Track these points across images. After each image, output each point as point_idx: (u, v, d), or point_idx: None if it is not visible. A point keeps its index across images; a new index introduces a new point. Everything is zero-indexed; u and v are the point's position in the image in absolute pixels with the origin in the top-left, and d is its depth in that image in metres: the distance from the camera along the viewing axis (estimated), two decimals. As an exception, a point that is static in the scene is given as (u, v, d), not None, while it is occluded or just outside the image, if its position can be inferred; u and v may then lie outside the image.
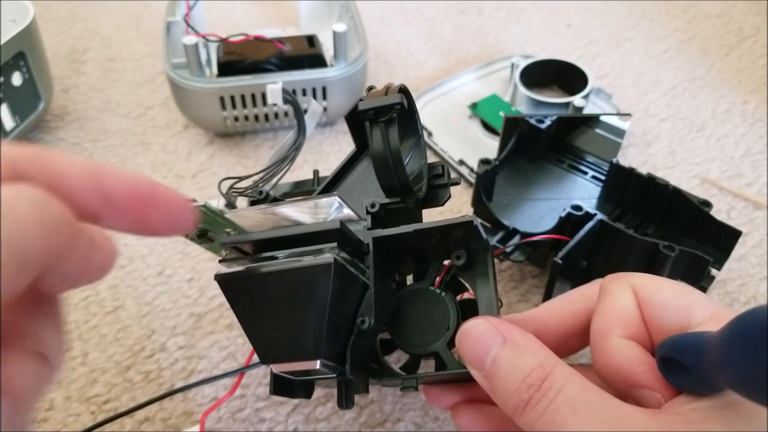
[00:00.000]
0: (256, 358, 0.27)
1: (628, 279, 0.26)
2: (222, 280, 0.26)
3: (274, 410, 0.37)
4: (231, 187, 0.35)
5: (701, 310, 0.24)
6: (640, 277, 0.26)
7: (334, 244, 0.26)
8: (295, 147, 0.38)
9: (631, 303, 0.26)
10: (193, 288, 0.43)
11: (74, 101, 0.59)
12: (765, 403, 0.17)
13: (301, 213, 0.28)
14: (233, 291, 0.26)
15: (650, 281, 0.26)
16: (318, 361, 0.25)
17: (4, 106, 0.49)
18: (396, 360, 0.33)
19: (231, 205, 0.34)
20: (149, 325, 0.41)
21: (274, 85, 0.38)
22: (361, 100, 0.28)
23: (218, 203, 0.34)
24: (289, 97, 0.39)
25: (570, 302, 0.29)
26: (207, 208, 0.32)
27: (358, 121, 0.32)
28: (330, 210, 0.28)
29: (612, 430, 0.21)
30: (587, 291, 0.29)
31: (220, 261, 0.29)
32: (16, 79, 0.49)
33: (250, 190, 0.35)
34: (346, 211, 0.28)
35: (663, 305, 0.25)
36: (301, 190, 0.39)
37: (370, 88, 0.30)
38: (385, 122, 0.28)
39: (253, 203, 0.35)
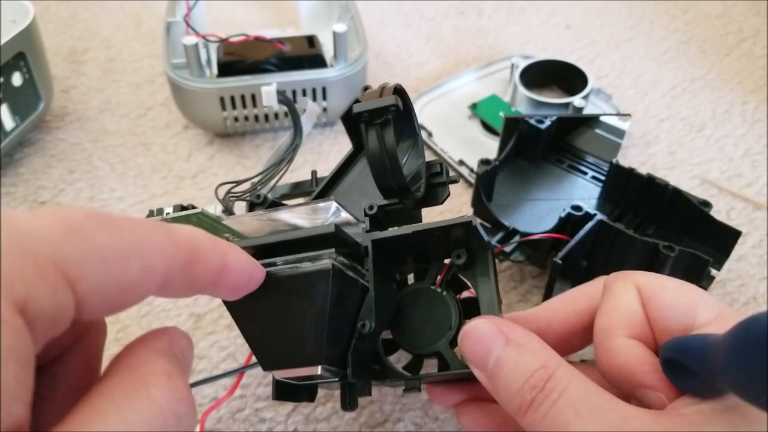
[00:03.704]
0: (255, 358, 0.27)
1: (632, 278, 0.26)
2: None
3: (274, 410, 0.37)
4: (228, 192, 0.35)
5: (706, 311, 0.24)
6: (644, 276, 0.26)
7: (332, 250, 0.26)
8: (292, 148, 0.38)
9: (635, 302, 0.25)
10: (193, 288, 0.43)
11: (74, 101, 0.59)
12: (766, 409, 0.17)
13: (299, 218, 0.28)
14: None
15: (654, 280, 0.26)
16: (319, 367, 0.25)
17: (4, 107, 0.49)
18: (397, 359, 0.33)
19: (228, 211, 0.34)
20: (149, 325, 0.41)
21: (268, 86, 0.38)
22: (357, 101, 0.28)
23: (215, 209, 0.34)
24: (283, 98, 0.39)
25: (573, 300, 0.29)
26: (204, 215, 0.32)
27: (354, 121, 0.32)
28: (328, 214, 0.28)
29: None
30: (590, 289, 0.29)
31: None
32: (17, 79, 0.49)
33: (247, 194, 0.35)
34: (344, 215, 0.28)
35: (667, 305, 0.25)
36: (300, 192, 0.38)
37: (366, 88, 0.29)
38: (381, 124, 0.27)
39: (251, 207, 0.35)
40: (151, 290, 0.18)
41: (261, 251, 0.28)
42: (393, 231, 0.28)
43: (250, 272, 0.22)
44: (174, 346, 0.19)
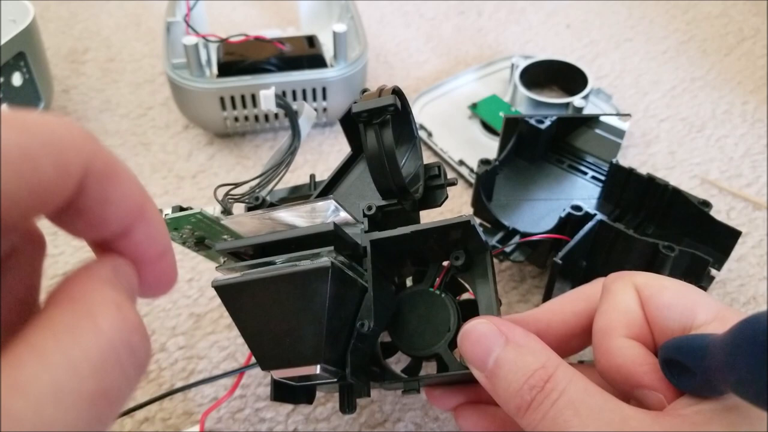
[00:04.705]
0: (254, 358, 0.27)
1: (631, 278, 0.26)
2: (220, 287, 0.26)
3: (274, 410, 0.37)
4: (227, 194, 0.35)
5: (704, 311, 0.24)
6: (643, 276, 0.26)
7: (331, 248, 0.26)
8: (291, 151, 0.38)
9: (633, 303, 0.25)
10: (193, 288, 0.43)
11: (74, 101, 0.59)
12: (767, 408, 0.17)
13: (297, 217, 0.28)
14: (231, 298, 0.26)
15: (653, 281, 0.26)
16: (318, 366, 0.25)
17: (4, 106, 0.49)
18: (396, 361, 0.33)
19: (227, 211, 0.34)
20: (149, 325, 0.41)
21: (266, 90, 0.38)
22: (355, 102, 0.28)
23: (214, 210, 0.34)
24: (282, 102, 0.39)
25: (572, 301, 0.29)
26: (203, 216, 0.32)
27: (352, 124, 0.32)
28: (326, 214, 0.28)
29: None
30: (589, 290, 0.29)
31: (217, 268, 0.29)
32: (17, 79, 0.49)
33: (246, 197, 0.35)
34: (343, 215, 0.28)
35: (666, 305, 0.25)
36: (298, 195, 0.38)
37: (364, 91, 0.29)
38: (379, 124, 0.27)
39: (249, 209, 0.35)
40: (67, 191, 0.15)
41: (260, 250, 0.28)
42: (392, 231, 0.28)
43: (165, 246, 0.18)
44: (119, 274, 0.17)
